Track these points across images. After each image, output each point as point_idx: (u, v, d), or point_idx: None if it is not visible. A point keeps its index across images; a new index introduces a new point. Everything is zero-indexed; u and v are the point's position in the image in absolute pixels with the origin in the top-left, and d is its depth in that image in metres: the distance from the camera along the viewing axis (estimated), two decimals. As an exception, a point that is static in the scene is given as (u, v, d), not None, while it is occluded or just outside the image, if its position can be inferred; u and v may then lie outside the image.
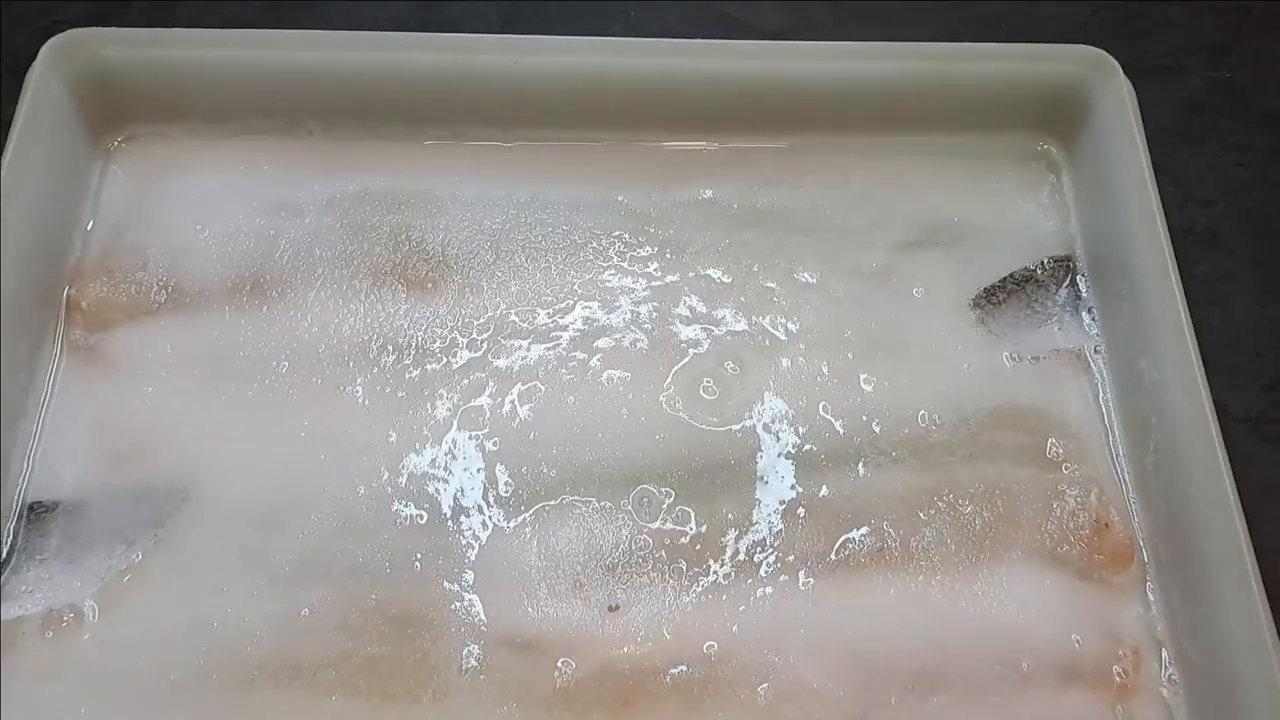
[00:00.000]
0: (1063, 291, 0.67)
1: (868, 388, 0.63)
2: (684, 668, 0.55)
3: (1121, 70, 0.67)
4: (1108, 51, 0.67)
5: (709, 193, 0.68)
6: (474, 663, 0.54)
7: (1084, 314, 0.67)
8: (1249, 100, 0.78)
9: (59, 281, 0.63)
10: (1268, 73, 0.79)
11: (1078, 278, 0.68)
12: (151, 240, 0.65)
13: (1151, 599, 0.58)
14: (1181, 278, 0.60)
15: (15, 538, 0.57)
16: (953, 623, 0.56)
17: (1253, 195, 0.74)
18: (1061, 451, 0.61)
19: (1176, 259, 0.60)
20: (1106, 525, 0.59)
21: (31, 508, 0.57)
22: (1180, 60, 0.80)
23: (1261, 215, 0.74)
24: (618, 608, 0.56)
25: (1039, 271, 0.68)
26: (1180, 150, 0.75)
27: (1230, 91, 0.79)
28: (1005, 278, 0.67)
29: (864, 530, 0.58)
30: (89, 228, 0.65)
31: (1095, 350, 0.65)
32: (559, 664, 0.54)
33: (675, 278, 0.65)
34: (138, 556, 0.56)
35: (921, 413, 0.62)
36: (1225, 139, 0.77)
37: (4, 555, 0.56)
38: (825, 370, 0.63)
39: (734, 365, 0.63)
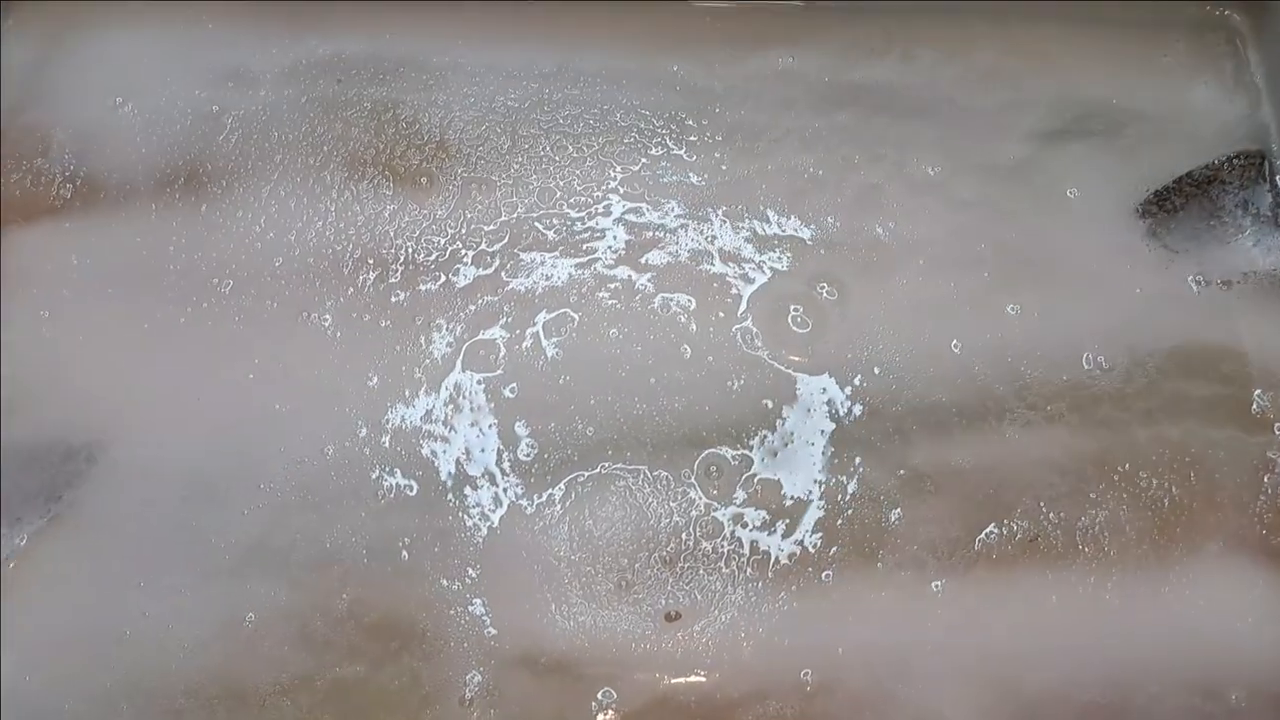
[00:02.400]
0: (1258, 196, 0.55)
1: (1012, 319, 0.51)
2: (772, 702, 0.45)
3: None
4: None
5: (790, 61, 0.56)
6: (481, 691, 0.45)
7: None
8: None
9: (-68, 171, 0.53)
10: None
11: (1277, 179, 0.55)
12: (56, 118, 0.55)
13: (1403, 606, 0.47)
14: None
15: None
16: (1135, 639, 0.47)
17: None
18: (1270, 407, 0.50)
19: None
20: (1337, 507, 0.48)
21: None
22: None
23: None
24: (678, 616, 0.46)
25: (1224, 170, 0.55)
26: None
27: None
28: (1181, 178, 0.55)
29: (1014, 513, 0.48)
30: (-26, 100, 0.54)
31: None
32: (598, 695, 0.45)
33: (749, 171, 0.54)
34: (21, 540, 0.47)
35: (1084, 354, 0.51)
36: None
37: None
38: (954, 296, 0.51)
39: (830, 288, 0.51)
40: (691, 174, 0.53)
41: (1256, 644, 0.46)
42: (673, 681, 0.45)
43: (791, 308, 0.51)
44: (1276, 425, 0.49)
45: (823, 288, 0.51)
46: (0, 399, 0.48)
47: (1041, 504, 0.47)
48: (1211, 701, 0.45)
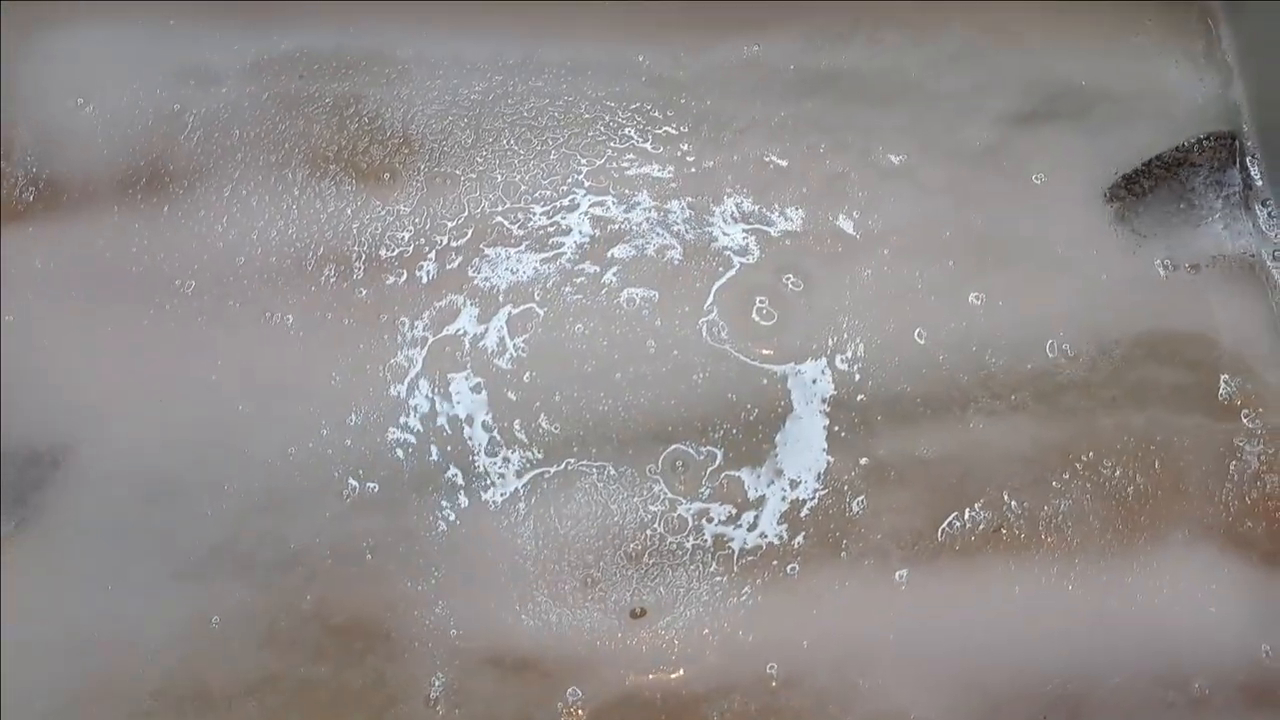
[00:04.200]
0: (1228, 178, 0.54)
1: (976, 307, 0.51)
2: (737, 697, 0.45)
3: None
4: None
5: (756, 49, 0.56)
6: (447, 690, 0.45)
7: (1258, 208, 0.54)
8: None
9: (-110, 174, 0.53)
10: None
11: (1247, 160, 0.54)
12: (15, 118, 0.54)
13: (1367, 593, 0.47)
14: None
15: None
16: (1099, 629, 0.47)
17: None
18: (1238, 393, 0.50)
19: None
20: (1304, 493, 0.48)
21: None
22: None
23: None
24: (644, 613, 0.46)
25: (1194, 152, 0.54)
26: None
27: None
28: (1150, 161, 0.54)
29: (978, 503, 0.48)
30: (-70, 102, 0.54)
31: (1276, 257, 0.52)
32: (565, 693, 0.45)
33: (714, 163, 0.53)
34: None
35: (1049, 341, 0.50)
36: None
37: None
38: (919, 285, 0.51)
39: (796, 279, 0.51)
40: (657, 166, 0.52)
41: (1221, 633, 0.46)
42: (639, 678, 0.45)
43: (757, 299, 0.50)
44: (1244, 412, 0.49)
45: (788, 279, 0.51)
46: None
47: (1005, 494, 0.47)
48: (1176, 691, 0.45)
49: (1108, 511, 0.47)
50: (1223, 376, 0.50)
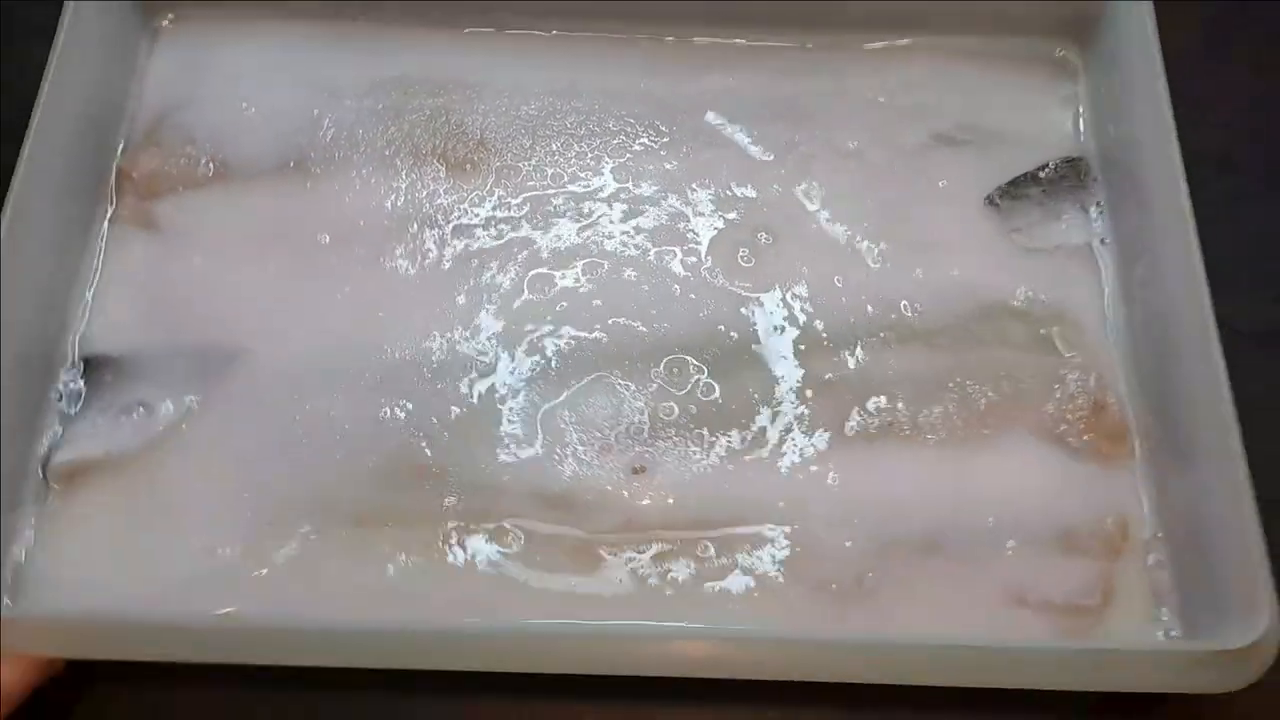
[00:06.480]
0: (1076, 190, 0.70)
1: (874, 268, 0.66)
2: (709, 521, 0.59)
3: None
4: (1124, -32, 0.69)
5: (732, 81, 0.71)
6: (508, 513, 0.59)
7: (1092, 209, 0.69)
8: (1273, 20, 0.78)
9: (110, 152, 0.67)
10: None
11: (1088, 178, 0.70)
12: (198, 118, 0.68)
13: (1141, 477, 0.61)
14: (1194, 197, 0.61)
15: (74, 385, 0.60)
16: (956, 494, 0.60)
17: (1272, 120, 0.75)
18: (1065, 339, 0.64)
19: (1190, 180, 0.61)
20: (1103, 407, 0.62)
21: (87, 360, 0.61)
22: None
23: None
24: (644, 470, 0.59)
25: (1054, 170, 0.70)
26: (1199, 71, 0.74)
27: (1250, 14, 0.79)
28: (1021, 175, 0.69)
29: (874, 406, 0.62)
30: (139, 101, 0.68)
31: (1103, 242, 0.67)
32: (589, 519, 0.59)
33: (711, 156, 0.69)
34: (195, 406, 0.60)
35: (938, 299, 0.65)
36: (1250, 61, 0.77)
37: (62, 400, 0.61)
38: (844, 242, 0.66)
39: (767, 235, 0.66)
40: (665, 162, 0.68)
41: (1039, 499, 0.59)
42: (639, 513, 0.58)
43: (740, 249, 0.66)
44: (1068, 353, 0.63)
45: (762, 235, 0.67)
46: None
47: (897, 402, 0.61)
48: (1006, 536, 0.58)
49: (968, 415, 0.61)
50: (1056, 327, 0.64)
